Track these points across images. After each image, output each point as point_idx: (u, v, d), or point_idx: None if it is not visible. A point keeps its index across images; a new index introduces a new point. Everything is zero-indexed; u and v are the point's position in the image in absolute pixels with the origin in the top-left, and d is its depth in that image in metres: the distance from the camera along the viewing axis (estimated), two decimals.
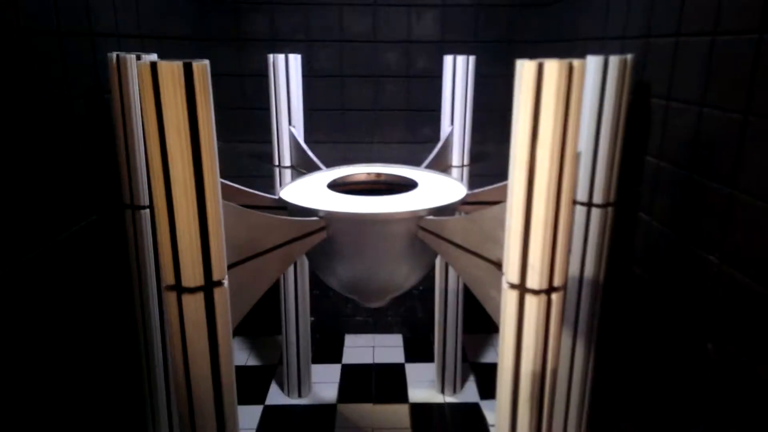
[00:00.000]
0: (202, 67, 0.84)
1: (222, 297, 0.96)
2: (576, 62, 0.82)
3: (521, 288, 0.91)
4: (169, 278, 0.92)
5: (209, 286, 0.93)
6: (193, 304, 0.93)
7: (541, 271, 0.89)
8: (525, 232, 0.89)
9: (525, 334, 0.92)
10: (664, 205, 1.26)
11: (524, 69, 0.83)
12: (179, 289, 0.92)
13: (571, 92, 0.82)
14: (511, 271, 0.92)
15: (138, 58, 1.24)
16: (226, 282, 0.97)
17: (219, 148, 0.91)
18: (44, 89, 1.08)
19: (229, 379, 1.01)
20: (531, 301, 0.91)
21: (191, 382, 0.97)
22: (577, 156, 0.87)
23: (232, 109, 2.21)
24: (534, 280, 0.90)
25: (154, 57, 1.29)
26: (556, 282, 0.91)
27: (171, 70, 0.82)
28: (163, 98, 0.83)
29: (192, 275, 0.91)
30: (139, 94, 0.85)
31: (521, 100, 0.84)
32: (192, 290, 0.92)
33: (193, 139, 0.85)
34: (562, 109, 0.83)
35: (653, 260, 1.31)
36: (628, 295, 1.42)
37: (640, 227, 1.36)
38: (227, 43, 2.15)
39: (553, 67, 0.81)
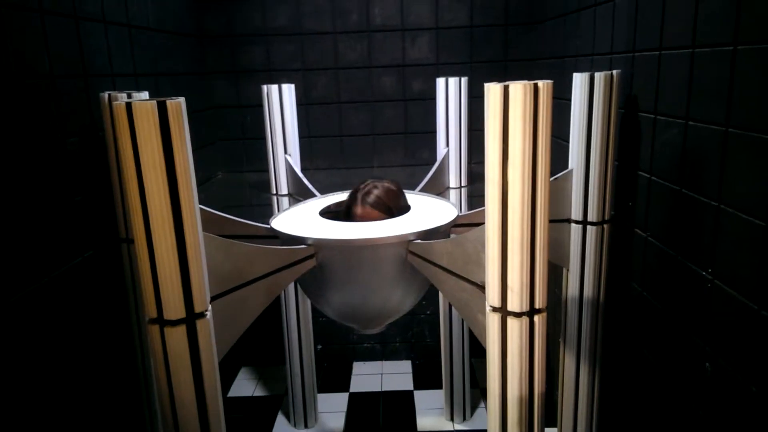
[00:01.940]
0: (176, 104, 0.86)
1: (205, 328, 0.96)
2: (541, 83, 0.82)
3: (503, 311, 0.90)
4: (151, 312, 0.93)
5: (191, 318, 0.94)
6: (176, 337, 0.94)
7: (521, 293, 0.88)
8: (502, 254, 0.89)
9: (509, 358, 0.91)
10: (658, 220, 1.24)
11: (490, 92, 0.84)
12: (161, 321, 0.93)
13: (538, 112, 0.82)
14: (492, 294, 0.91)
15: (129, 96, 1.27)
16: (209, 313, 0.97)
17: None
18: (40, 129, 1.12)
19: (215, 410, 1.01)
20: (513, 324, 0.89)
21: (177, 413, 0.97)
22: (549, 174, 0.87)
23: (233, 140, 2.25)
24: (515, 303, 0.89)
25: (144, 95, 1.32)
26: (538, 303, 0.89)
27: (145, 109, 0.84)
28: (138, 136, 0.85)
29: (173, 308, 0.92)
30: (115, 133, 0.87)
31: (490, 123, 0.85)
32: (173, 323, 0.93)
33: (169, 174, 0.87)
34: (530, 129, 0.82)
35: (650, 277, 1.27)
36: (629, 313, 1.39)
37: (636, 243, 1.34)
38: (225, 76, 2.20)
39: (517, 88, 0.81)
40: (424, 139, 2.24)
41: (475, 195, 1.92)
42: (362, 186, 1.45)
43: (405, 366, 2.40)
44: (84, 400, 1.24)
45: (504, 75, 2.22)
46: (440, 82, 1.82)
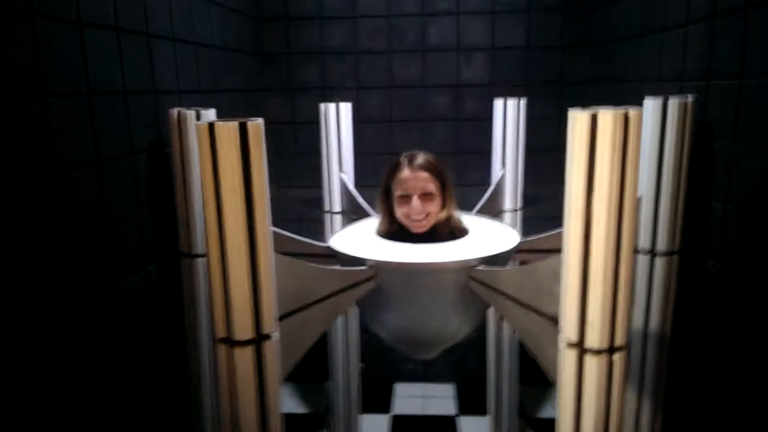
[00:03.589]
0: (256, 126, 0.87)
1: (271, 349, 0.96)
2: (632, 111, 0.79)
3: (580, 347, 0.86)
4: (221, 331, 0.93)
5: (259, 339, 0.94)
6: (244, 357, 0.93)
7: (602, 328, 0.84)
8: (583, 287, 0.85)
9: (585, 398, 0.87)
10: (735, 252, 1.18)
11: (577, 119, 0.81)
12: (230, 342, 0.93)
13: (627, 143, 0.79)
14: (568, 329, 0.88)
15: (197, 114, 1.30)
16: (276, 334, 0.97)
17: (271, 193, 0.92)
18: (111, 144, 1.15)
19: (276, 431, 1.00)
20: (591, 362, 0.85)
21: None
22: (636, 206, 0.83)
23: (285, 156, 2.28)
24: (594, 339, 0.85)
25: (212, 113, 1.35)
26: (618, 341, 0.85)
27: (227, 131, 0.85)
28: (219, 157, 0.86)
29: (243, 328, 0.92)
30: (198, 152, 0.88)
31: (575, 152, 0.82)
32: (242, 343, 0.93)
33: (247, 195, 0.88)
34: (618, 160, 0.79)
35: (724, 312, 1.21)
36: (697, 352, 1.32)
37: (708, 276, 1.27)
38: (280, 93, 2.24)
39: (607, 118, 0.78)
40: (475, 159, 2.22)
41: (529, 218, 1.88)
42: (402, 155, 1.40)
43: (448, 390, 2.35)
44: (136, 412, 1.25)
45: (560, 97, 2.18)
46: (498, 102, 1.80)
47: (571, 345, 0.87)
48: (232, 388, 0.95)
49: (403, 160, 1.39)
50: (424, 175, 1.36)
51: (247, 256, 0.89)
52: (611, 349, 0.85)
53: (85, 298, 1.04)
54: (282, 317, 1.02)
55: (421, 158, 1.38)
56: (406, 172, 1.36)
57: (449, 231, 1.41)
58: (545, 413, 2.16)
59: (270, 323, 0.94)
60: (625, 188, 0.80)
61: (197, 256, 1.36)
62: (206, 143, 0.86)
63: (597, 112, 0.79)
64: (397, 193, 1.38)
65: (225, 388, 0.96)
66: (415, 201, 1.35)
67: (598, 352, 0.85)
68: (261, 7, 2.20)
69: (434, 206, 1.37)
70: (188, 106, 1.33)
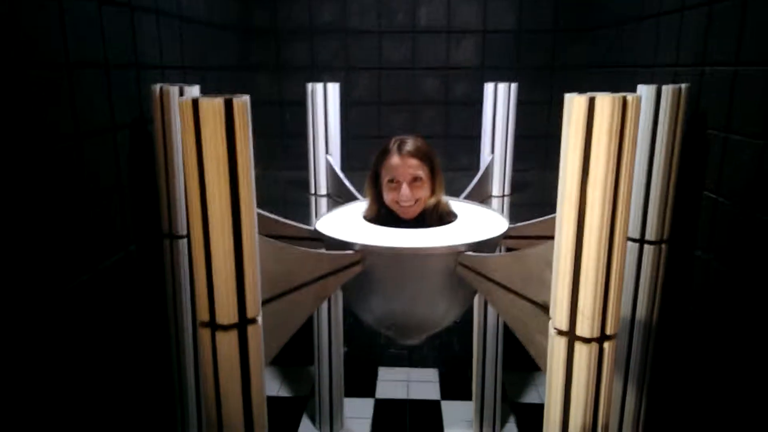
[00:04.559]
0: (242, 103, 0.83)
1: (255, 334, 0.94)
2: (630, 96, 0.77)
3: (571, 335, 0.85)
4: (203, 315, 0.90)
5: (243, 323, 0.91)
6: (227, 342, 0.91)
7: (593, 317, 0.83)
8: (575, 275, 0.84)
9: (574, 386, 0.86)
10: (724, 243, 1.18)
11: (574, 104, 0.79)
12: (213, 326, 0.90)
13: (624, 128, 0.77)
14: (559, 317, 0.87)
15: (181, 90, 1.25)
16: (260, 319, 0.94)
17: (256, 175, 0.89)
18: (92, 119, 1.10)
19: (260, 416, 0.98)
20: (581, 350, 0.85)
21: (223, 418, 0.95)
22: (630, 195, 0.82)
23: (271, 137, 2.23)
24: (585, 328, 0.84)
25: (196, 90, 1.30)
26: (609, 330, 0.85)
27: (212, 107, 0.81)
28: (203, 134, 0.82)
29: (226, 312, 0.89)
30: (181, 129, 0.84)
31: (570, 137, 0.80)
32: (226, 327, 0.90)
33: (231, 174, 0.84)
34: (615, 146, 0.78)
35: (711, 301, 1.21)
36: (683, 338, 1.33)
37: (697, 266, 1.28)
38: (268, 72, 2.18)
39: (605, 102, 0.76)
40: (464, 144, 2.20)
41: (517, 204, 1.87)
42: (392, 140, 1.37)
43: (431, 374, 2.36)
44: (117, 394, 1.22)
45: (550, 83, 2.16)
46: (488, 87, 1.77)
47: (561, 333, 0.87)
48: (216, 373, 0.93)
49: (393, 145, 1.36)
50: (414, 161, 1.34)
51: (231, 237, 0.86)
52: (602, 338, 0.84)
53: (65, 276, 1.00)
54: (266, 301, 0.99)
55: (410, 144, 1.36)
56: (395, 159, 1.34)
57: (438, 216, 1.40)
58: (528, 398, 2.18)
59: (254, 307, 0.92)
60: (620, 175, 0.79)
61: (180, 237, 1.33)
62: (190, 120, 0.82)
63: (595, 96, 0.77)
64: (386, 178, 1.36)
65: (208, 372, 0.93)
66: (404, 188, 1.33)
67: (588, 340, 0.84)
68: None
69: (423, 192, 1.35)
70: (172, 82, 1.28)
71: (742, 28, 1.13)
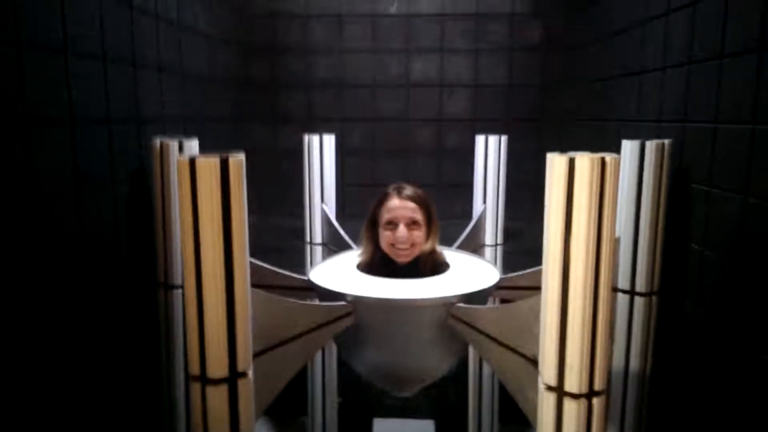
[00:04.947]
0: (237, 161, 0.87)
1: (246, 388, 0.94)
2: (609, 157, 0.81)
3: (559, 391, 0.86)
4: (194, 368, 0.91)
5: (233, 377, 0.91)
6: (217, 396, 0.91)
7: (581, 372, 0.84)
8: (562, 329, 0.85)
9: None
10: (713, 294, 1.19)
11: (555, 163, 0.83)
12: (204, 380, 0.90)
13: (604, 187, 0.81)
14: (547, 372, 0.87)
15: (180, 144, 1.29)
16: (250, 372, 0.94)
17: (250, 221, 0.91)
18: (92, 172, 1.13)
19: None
20: (570, 406, 0.85)
21: None
22: (615, 248, 0.84)
23: (266, 184, 2.27)
24: (573, 383, 0.85)
25: (195, 143, 1.34)
26: (597, 385, 0.85)
27: (208, 166, 0.84)
28: (199, 191, 0.85)
29: (217, 366, 0.90)
30: (178, 186, 0.87)
31: (553, 194, 0.83)
32: (216, 381, 0.90)
33: (225, 230, 0.86)
34: (596, 203, 0.81)
35: (702, 354, 1.22)
36: (677, 392, 1.32)
37: (687, 318, 1.29)
38: (264, 122, 2.24)
39: (584, 162, 0.80)
40: (456, 192, 2.23)
41: (509, 252, 1.89)
42: (391, 186, 1.44)
43: (427, 426, 2.30)
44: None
45: (539, 134, 2.22)
46: (479, 139, 1.82)
47: (550, 388, 0.87)
48: (205, 428, 0.92)
49: (392, 190, 1.42)
50: (412, 205, 1.38)
51: (223, 291, 0.87)
52: (590, 394, 0.85)
53: (60, 324, 1.00)
54: (257, 354, 1.00)
55: (409, 189, 1.42)
56: (395, 201, 1.39)
57: (431, 265, 1.41)
58: None
59: (245, 361, 0.92)
60: (602, 231, 0.81)
61: (174, 287, 1.34)
62: (186, 178, 0.85)
63: (575, 157, 0.81)
64: (384, 219, 1.39)
65: (197, 425, 0.93)
66: (402, 228, 1.36)
67: (576, 396, 0.84)
68: (251, 37, 2.23)
69: (419, 236, 1.38)
70: (172, 134, 1.32)
71: (719, 86, 1.19)
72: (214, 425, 0.92)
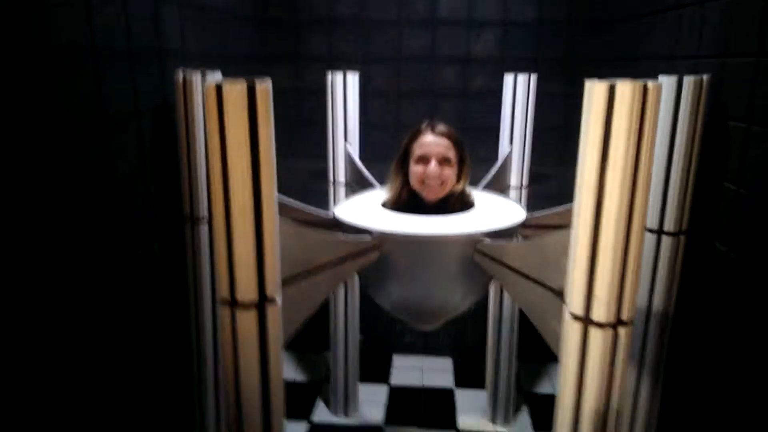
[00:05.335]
0: (264, 88, 0.85)
1: (274, 313, 0.96)
2: (651, 84, 0.77)
3: (586, 320, 0.86)
4: (224, 292, 0.93)
5: (262, 302, 0.93)
6: (247, 320, 0.93)
7: (608, 302, 0.84)
8: (591, 260, 0.84)
9: (588, 371, 0.87)
10: (745, 235, 1.17)
11: (594, 90, 0.79)
12: (233, 303, 0.93)
13: (645, 116, 0.77)
14: (574, 302, 0.87)
15: (203, 75, 1.28)
16: (279, 299, 0.96)
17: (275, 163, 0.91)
18: (116, 105, 1.13)
19: (278, 395, 1.00)
20: (596, 335, 0.85)
21: (241, 395, 0.97)
22: (650, 183, 0.82)
23: (289, 125, 2.25)
24: (600, 313, 0.84)
25: (218, 75, 1.32)
26: (625, 315, 0.85)
27: (235, 91, 0.83)
28: (226, 118, 0.84)
29: (246, 290, 0.92)
30: (204, 112, 0.86)
31: (590, 123, 0.80)
32: (246, 305, 0.92)
33: (253, 157, 0.86)
34: (635, 133, 0.78)
35: (731, 293, 1.21)
36: (698, 332, 1.32)
37: (716, 258, 1.27)
38: (286, 61, 2.20)
39: (625, 88, 0.76)
40: (482, 136, 2.19)
41: (533, 195, 1.87)
42: (425, 122, 1.42)
43: (446, 363, 2.38)
44: (138, 376, 1.26)
45: (570, 75, 2.14)
46: (508, 78, 1.77)
47: (576, 318, 0.87)
48: (235, 351, 0.95)
49: (426, 126, 1.39)
50: (446, 141, 1.36)
51: (252, 218, 0.88)
52: (617, 323, 0.85)
53: (92, 260, 1.03)
54: (285, 282, 1.01)
55: (443, 126, 1.40)
56: (429, 136, 1.37)
57: (459, 206, 1.40)
58: (542, 389, 2.18)
59: (273, 286, 0.94)
60: (640, 162, 0.79)
61: (200, 220, 1.36)
62: (213, 104, 0.84)
63: (615, 83, 0.77)
64: (416, 154, 1.37)
65: (227, 350, 0.96)
66: (434, 164, 1.35)
67: (603, 325, 0.84)
68: None
69: (450, 174, 1.37)
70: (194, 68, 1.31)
71: (764, 18, 1.12)
72: (244, 348, 0.95)
